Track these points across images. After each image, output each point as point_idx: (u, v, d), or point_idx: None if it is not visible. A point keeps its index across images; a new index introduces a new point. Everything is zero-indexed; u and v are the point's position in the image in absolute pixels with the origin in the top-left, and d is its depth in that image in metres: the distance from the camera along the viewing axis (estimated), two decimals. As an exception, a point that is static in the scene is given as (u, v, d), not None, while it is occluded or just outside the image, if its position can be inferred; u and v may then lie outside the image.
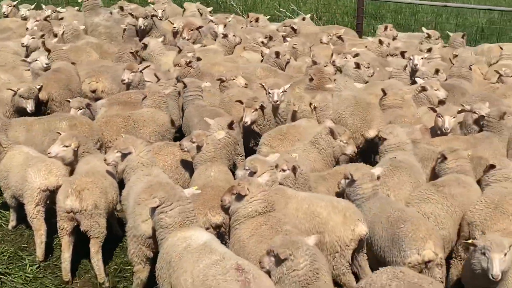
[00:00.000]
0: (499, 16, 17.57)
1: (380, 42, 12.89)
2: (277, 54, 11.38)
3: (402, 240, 5.68)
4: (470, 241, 5.29)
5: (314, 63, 10.58)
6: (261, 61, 11.74)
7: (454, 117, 8.38)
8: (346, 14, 17.87)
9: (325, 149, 7.57)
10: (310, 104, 9.00)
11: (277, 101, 8.70)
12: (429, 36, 13.57)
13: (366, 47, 12.80)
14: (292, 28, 14.07)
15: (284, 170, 6.60)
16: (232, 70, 10.64)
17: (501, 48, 12.71)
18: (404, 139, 7.51)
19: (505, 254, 4.99)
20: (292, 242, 4.94)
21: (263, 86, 9.08)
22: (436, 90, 9.38)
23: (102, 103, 9.16)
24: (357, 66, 10.40)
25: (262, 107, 8.41)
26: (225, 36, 12.65)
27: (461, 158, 6.83)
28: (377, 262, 5.91)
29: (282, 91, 8.74)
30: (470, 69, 10.64)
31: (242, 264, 4.80)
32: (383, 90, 9.37)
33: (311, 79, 9.48)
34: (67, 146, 7.01)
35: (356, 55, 11.14)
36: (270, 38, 12.90)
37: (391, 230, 5.81)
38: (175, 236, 5.27)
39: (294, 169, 6.61)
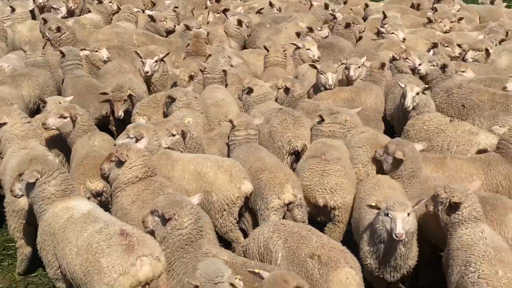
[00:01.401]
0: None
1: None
2: (151, 17, 11.31)
3: (263, 189, 5.90)
4: (373, 203, 5.29)
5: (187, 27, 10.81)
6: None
7: (335, 73, 8.68)
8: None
9: None
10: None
11: (147, 71, 8.63)
12: None
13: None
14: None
15: (173, 135, 6.62)
16: (109, 39, 10.46)
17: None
18: (269, 90, 7.86)
19: (408, 214, 5.00)
20: (176, 202, 4.97)
21: (138, 54, 8.99)
22: (307, 49, 9.67)
23: None
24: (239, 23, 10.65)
25: (130, 96, 8.08)
26: (99, 2, 12.29)
27: (336, 124, 6.93)
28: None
29: (156, 61, 8.68)
30: (348, 26, 10.91)
31: (126, 229, 4.80)
32: (265, 47, 9.58)
33: (188, 45, 9.54)
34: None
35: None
36: (153, 4, 12.77)
37: (253, 181, 6.02)
38: (56, 207, 5.15)
39: (183, 134, 6.63)
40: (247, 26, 11.55)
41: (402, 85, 7.48)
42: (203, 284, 4.16)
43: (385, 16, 11.75)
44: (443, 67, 8.22)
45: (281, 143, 6.94)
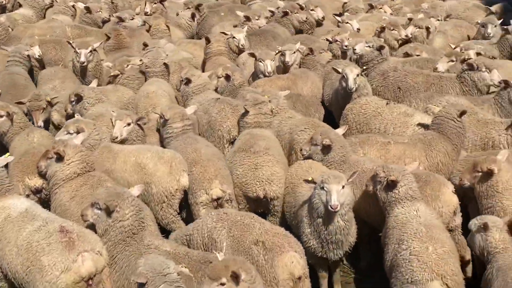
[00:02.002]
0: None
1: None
2: (87, 9, 11.18)
3: (193, 183, 5.97)
4: (309, 178, 5.35)
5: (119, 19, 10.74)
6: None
7: (273, 60, 8.73)
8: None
9: None
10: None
11: (83, 61, 8.54)
12: None
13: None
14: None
15: (129, 124, 6.68)
16: (45, 34, 10.31)
17: None
18: (207, 80, 7.90)
19: (343, 187, 5.09)
20: (118, 194, 4.96)
21: (71, 44, 8.87)
22: (233, 37, 9.57)
23: None
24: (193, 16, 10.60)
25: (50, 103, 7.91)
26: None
27: (261, 114, 6.94)
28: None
29: (90, 51, 8.58)
30: (286, 14, 10.81)
31: (66, 225, 4.76)
32: (206, 38, 9.57)
33: (108, 38, 9.57)
34: None
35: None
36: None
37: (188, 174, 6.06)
38: None
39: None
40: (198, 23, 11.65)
41: (340, 70, 7.55)
42: (151, 279, 4.12)
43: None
44: (379, 49, 8.34)
45: (220, 133, 7.01)
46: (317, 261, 5.52)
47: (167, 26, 10.98)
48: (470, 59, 7.89)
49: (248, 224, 5.11)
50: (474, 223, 5.02)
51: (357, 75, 7.46)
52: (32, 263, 4.64)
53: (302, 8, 10.57)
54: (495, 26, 9.87)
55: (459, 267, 4.90)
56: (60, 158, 5.62)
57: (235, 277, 4.10)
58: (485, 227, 4.87)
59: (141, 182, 5.91)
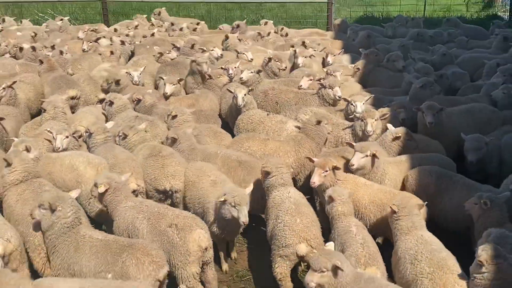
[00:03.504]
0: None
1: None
2: (33, 48, 10.51)
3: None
4: (222, 198, 5.10)
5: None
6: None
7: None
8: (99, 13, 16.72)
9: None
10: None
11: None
12: None
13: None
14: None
15: (67, 137, 6.63)
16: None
17: None
18: (127, 101, 7.88)
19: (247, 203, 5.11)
20: (60, 197, 4.88)
21: None
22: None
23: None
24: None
25: None
26: None
27: (136, 135, 6.75)
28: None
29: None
30: (192, 47, 10.59)
31: None
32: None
33: (42, 62, 9.21)
34: None
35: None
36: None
37: None
38: None
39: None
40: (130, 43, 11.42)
41: (232, 90, 7.68)
42: None
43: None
44: (258, 72, 8.61)
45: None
46: (217, 240, 5.59)
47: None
48: (321, 79, 8.10)
49: (163, 212, 5.11)
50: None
51: (245, 94, 7.62)
52: None
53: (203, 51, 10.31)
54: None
55: (320, 232, 5.18)
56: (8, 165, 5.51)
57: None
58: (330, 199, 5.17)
59: (74, 180, 5.85)
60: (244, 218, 5.01)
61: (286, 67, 9.49)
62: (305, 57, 9.69)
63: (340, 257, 4.23)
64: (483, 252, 4.13)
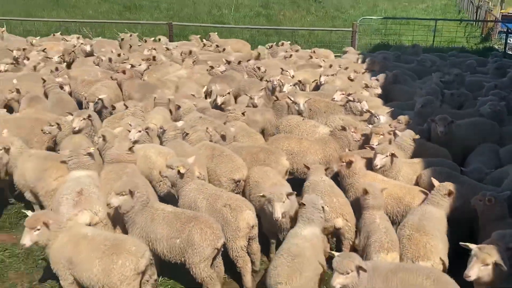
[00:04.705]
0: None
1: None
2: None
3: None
4: (261, 194, 5.01)
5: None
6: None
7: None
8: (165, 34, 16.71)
9: None
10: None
11: None
12: None
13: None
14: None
15: (140, 131, 6.65)
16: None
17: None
18: (191, 105, 7.79)
19: (284, 202, 4.81)
20: (134, 183, 4.94)
21: None
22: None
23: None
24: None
25: None
26: None
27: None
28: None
29: None
30: (239, 63, 10.51)
31: (83, 190, 4.89)
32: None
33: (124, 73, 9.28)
34: None
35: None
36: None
37: None
38: None
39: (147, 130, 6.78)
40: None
41: (292, 98, 7.67)
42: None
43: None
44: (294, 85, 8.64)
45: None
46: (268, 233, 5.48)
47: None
48: (351, 94, 8.01)
49: (219, 194, 5.17)
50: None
51: (305, 102, 7.62)
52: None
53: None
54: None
55: (352, 210, 5.24)
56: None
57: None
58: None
59: (147, 167, 5.91)
60: (276, 214, 4.71)
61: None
62: (327, 76, 9.51)
63: (360, 258, 4.05)
64: None
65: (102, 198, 5.15)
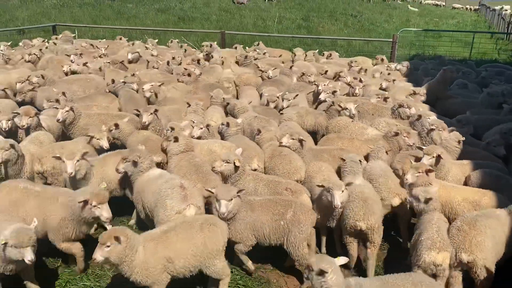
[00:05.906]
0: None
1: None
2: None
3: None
4: (320, 184, 4.92)
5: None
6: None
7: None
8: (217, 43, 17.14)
9: None
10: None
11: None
12: None
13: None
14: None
15: (201, 128, 6.65)
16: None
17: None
18: (246, 104, 7.80)
19: (343, 191, 4.74)
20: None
21: None
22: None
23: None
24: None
25: None
26: None
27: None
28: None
29: None
30: (290, 68, 10.38)
31: (184, 183, 4.75)
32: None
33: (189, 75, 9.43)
34: None
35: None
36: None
37: None
38: None
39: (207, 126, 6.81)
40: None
41: (343, 106, 7.50)
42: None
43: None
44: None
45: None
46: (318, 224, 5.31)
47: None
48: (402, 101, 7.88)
49: (277, 181, 5.27)
50: None
51: (355, 107, 7.49)
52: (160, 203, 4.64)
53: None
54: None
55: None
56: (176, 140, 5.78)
57: None
58: None
59: (212, 160, 5.84)
60: (335, 201, 4.63)
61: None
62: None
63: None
64: None
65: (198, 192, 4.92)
